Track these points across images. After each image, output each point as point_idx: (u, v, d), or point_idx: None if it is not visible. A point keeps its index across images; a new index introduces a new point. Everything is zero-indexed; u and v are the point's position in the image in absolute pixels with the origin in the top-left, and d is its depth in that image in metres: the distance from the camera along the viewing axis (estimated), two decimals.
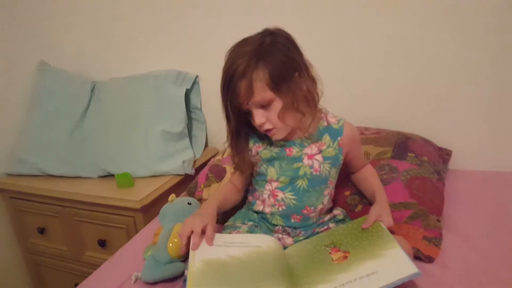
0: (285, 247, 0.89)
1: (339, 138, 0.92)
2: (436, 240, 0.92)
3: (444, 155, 1.28)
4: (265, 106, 0.82)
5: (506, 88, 1.21)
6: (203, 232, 0.83)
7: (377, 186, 0.98)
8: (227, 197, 1.00)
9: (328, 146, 0.92)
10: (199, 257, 0.78)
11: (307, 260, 0.81)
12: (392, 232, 0.81)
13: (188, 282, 0.71)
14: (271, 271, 0.76)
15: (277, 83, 0.79)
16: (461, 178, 1.26)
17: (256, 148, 0.94)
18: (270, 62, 0.78)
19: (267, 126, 0.84)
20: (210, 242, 0.82)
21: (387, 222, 0.83)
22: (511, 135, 1.25)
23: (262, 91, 0.79)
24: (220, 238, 0.86)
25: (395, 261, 0.71)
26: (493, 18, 1.16)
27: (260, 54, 0.78)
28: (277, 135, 0.87)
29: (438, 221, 0.98)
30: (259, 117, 0.83)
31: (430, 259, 0.89)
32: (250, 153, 0.95)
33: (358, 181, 1.04)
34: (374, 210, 0.86)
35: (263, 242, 0.85)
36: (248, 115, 0.86)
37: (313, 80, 0.84)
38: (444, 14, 1.20)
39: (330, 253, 0.80)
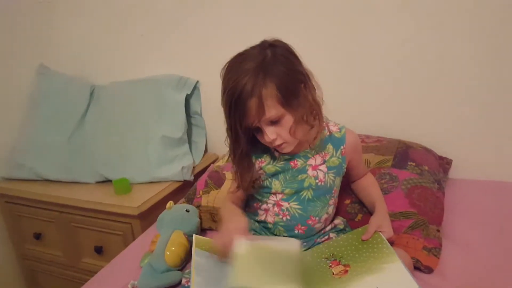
0: None
1: (342, 147, 0.91)
2: (435, 250, 0.92)
3: (444, 164, 1.28)
4: (275, 122, 0.80)
5: (508, 97, 1.21)
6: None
7: (378, 196, 0.97)
8: None
9: (332, 156, 0.91)
10: (240, 244, 0.76)
11: (307, 273, 0.79)
12: (392, 243, 0.81)
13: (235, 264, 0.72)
14: (296, 273, 0.76)
15: (287, 99, 0.77)
16: (461, 187, 1.25)
17: (259, 163, 0.92)
18: (277, 77, 0.76)
19: (278, 141, 0.82)
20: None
21: (388, 233, 0.82)
22: None
23: (273, 108, 0.77)
24: (256, 238, 0.86)
25: (396, 276, 0.70)
26: (495, 27, 1.16)
27: (266, 70, 0.76)
28: (287, 149, 0.85)
29: (438, 231, 0.97)
30: (270, 134, 0.81)
31: (429, 270, 0.88)
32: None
33: (358, 190, 1.03)
34: (374, 221, 0.85)
35: (291, 245, 0.84)
36: (254, 131, 0.84)
37: (315, 89, 0.83)
38: (445, 22, 1.20)
39: (330, 266, 0.79)
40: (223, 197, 1.12)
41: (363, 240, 0.82)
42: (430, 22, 1.22)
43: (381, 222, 0.84)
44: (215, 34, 1.52)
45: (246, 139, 0.84)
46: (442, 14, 1.20)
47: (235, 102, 0.76)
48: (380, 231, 0.82)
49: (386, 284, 0.69)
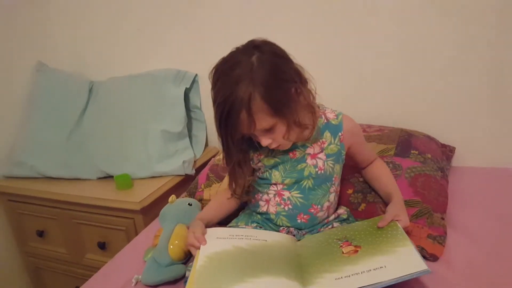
0: None
1: (339, 134, 0.91)
2: (440, 238, 0.91)
3: (447, 152, 1.27)
4: (268, 130, 0.80)
5: (510, 84, 1.20)
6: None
7: (392, 185, 0.96)
8: (217, 213, 0.99)
9: (330, 143, 0.91)
10: (203, 254, 0.77)
11: (317, 250, 0.80)
12: (408, 232, 0.80)
13: (190, 280, 0.70)
14: (278, 262, 0.76)
15: (277, 109, 0.76)
16: (464, 175, 1.25)
17: (258, 156, 0.92)
18: (265, 87, 0.74)
19: (274, 145, 0.84)
20: (204, 242, 0.80)
21: (404, 222, 0.81)
22: None
23: (263, 120, 0.77)
24: (225, 231, 0.86)
25: (405, 257, 0.71)
26: (493, 13, 1.15)
27: (253, 82, 0.73)
28: (283, 148, 0.87)
29: (443, 219, 0.97)
30: (264, 141, 0.82)
31: (434, 257, 0.88)
32: (251, 162, 0.93)
33: (371, 179, 1.02)
34: (391, 210, 0.85)
35: (269, 236, 0.85)
36: (250, 135, 0.84)
37: (307, 83, 0.82)
38: (445, 9, 1.19)
39: (341, 246, 0.79)
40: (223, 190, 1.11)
41: (378, 227, 0.81)
42: (429, 10, 1.21)
43: (398, 211, 0.84)
44: (212, 26, 1.51)
45: (238, 151, 0.85)
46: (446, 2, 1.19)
47: (226, 117, 0.76)
48: (397, 220, 0.81)
49: (395, 263, 0.69)
